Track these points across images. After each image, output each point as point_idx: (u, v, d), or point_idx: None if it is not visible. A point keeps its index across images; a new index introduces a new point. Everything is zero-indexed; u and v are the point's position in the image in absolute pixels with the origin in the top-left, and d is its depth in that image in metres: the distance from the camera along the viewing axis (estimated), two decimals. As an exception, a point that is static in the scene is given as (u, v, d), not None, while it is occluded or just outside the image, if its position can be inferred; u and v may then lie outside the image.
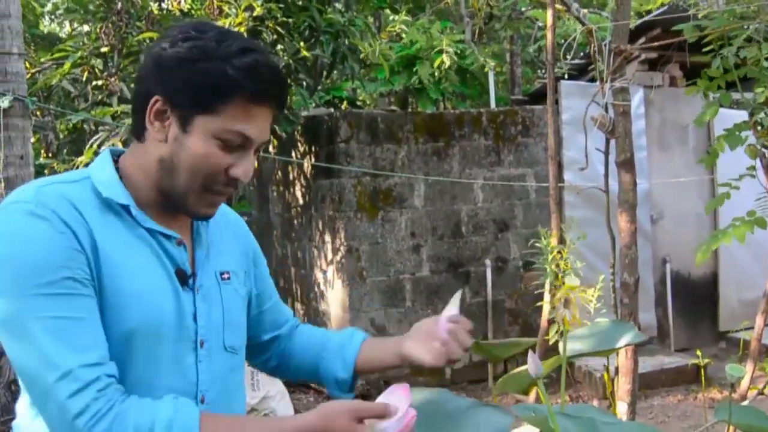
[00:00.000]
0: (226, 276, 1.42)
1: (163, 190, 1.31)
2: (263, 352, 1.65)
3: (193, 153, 1.27)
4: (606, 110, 3.38)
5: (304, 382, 5.88)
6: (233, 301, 1.43)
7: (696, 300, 6.71)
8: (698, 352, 4.64)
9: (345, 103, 7.91)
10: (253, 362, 1.67)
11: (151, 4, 5.66)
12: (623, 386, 3.09)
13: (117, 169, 1.35)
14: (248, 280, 1.52)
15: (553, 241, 4.38)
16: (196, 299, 1.34)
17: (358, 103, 8.65)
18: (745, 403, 3.14)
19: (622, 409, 3.06)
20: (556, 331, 4.30)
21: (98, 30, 5.53)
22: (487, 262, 6.12)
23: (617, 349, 1.97)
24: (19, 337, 1.17)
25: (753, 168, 3.12)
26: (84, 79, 5.28)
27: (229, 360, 1.40)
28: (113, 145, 4.55)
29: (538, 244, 4.47)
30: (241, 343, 1.46)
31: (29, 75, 5.10)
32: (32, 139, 4.23)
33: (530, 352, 1.37)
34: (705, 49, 3.06)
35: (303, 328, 1.69)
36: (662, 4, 5.07)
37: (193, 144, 1.27)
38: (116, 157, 1.39)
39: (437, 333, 1.49)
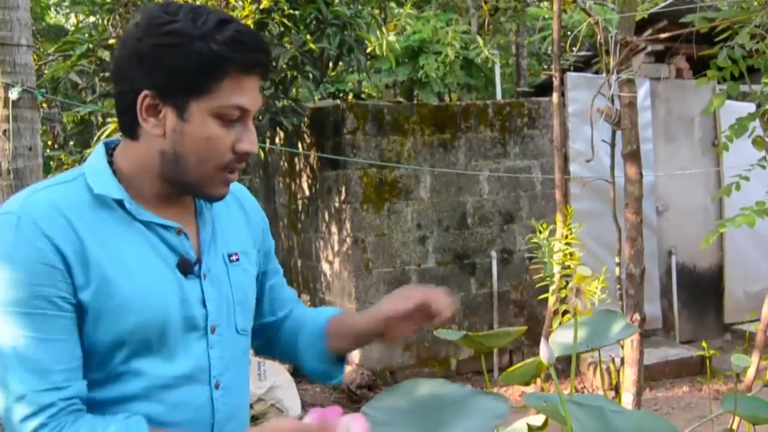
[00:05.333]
0: (234, 258, 1.40)
1: (172, 181, 1.29)
2: (256, 336, 1.57)
3: (196, 139, 1.25)
4: (612, 102, 3.39)
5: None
6: (243, 282, 1.41)
7: (701, 292, 6.71)
8: (704, 344, 4.66)
9: (350, 95, 7.91)
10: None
11: (158, -5, 5.66)
12: (629, 377, 3.10)
13: (111, 163, 1.32)
14: (259, 256, 1.50)
15: (558, 233, 4.40)
16: (204, 285, 1.32)
17: (363, 96, 8.66)
18: (751, 394, 3.16)
19: (627, 399, 3.08)
20: (560, 323, 4.32)
21: (105, 22, 5.55)
22: (493, 253, 6.13)
23: (610, 343, 1.99)
24: None
25: (764, 159, 3.13)
26: (91, 71, 5.29)
27: (241, 342, 1.40)
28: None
29: (535, 240, 4.48)
30: (250, 324, 1.44)
31: (36, 67, 5.12)
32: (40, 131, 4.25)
33: (543, 340, 1.39)
34: (716, 39, 3.06)
35: (295, 311, 1.63)
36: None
37: (195, 130, 1.25)
38: (112, 148, 1.36)
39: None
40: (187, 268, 1.30)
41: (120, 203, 1.27)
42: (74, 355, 1.21)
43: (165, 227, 1.30)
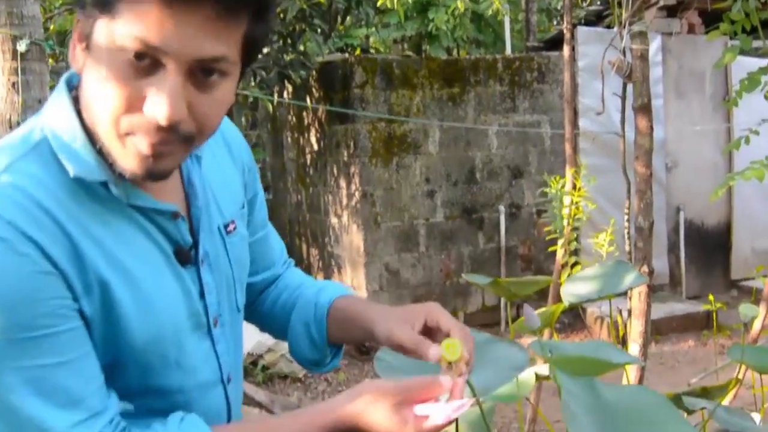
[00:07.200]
0: (231, 227, 1.14)
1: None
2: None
3: (95, 77, 0.89)
4: (624, 54, 3.36)
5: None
6: (241, 253, 1.17)
7: (709, 248, 6.73)
8: (710, 298, 4.69)
9: (358, 50, 7.87)
10: None
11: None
12: (636, 328, 3.12)
13: (80, 112, 0.95)
14: (246, 210, 1.23)
15: (567, 186, 4.39)
16: (202, 273, 1.06)
17: (371, 51, 8.61)
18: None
19: (634, 350, 3.11)
20: (568, 275, 4.33)
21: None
22: (501, 208, 6.15)
23: (620, 293, 2.00)
24: None
25: (775, 115, 3.11)
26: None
27: (240, 320, 1.19)
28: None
29: (546, 190, 4.48)
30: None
31: (42, 20, 5.09)
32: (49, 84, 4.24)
33: (525, 306, 1.40)
34: (728, -7, 3.02)
35: (286, 279, 1.37)
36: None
37: (95, 63, 0.89)
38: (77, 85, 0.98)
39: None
40: (184, 258, 1.04)
41: (105, 185, 0.95)
42: (99, 370, 0.96)
43: (158, 212, 1.00)
